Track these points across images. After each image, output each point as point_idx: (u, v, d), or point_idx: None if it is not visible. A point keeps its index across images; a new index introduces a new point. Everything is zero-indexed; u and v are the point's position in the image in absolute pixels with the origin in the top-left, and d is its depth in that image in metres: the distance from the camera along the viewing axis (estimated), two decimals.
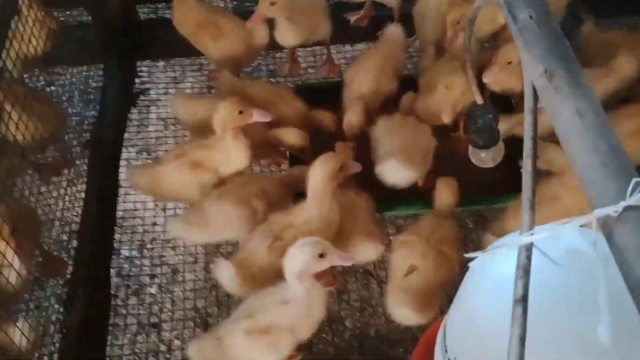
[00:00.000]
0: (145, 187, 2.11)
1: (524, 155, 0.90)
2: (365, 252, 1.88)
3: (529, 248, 0.79)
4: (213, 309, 2.17)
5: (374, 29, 2.75)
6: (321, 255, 1.51)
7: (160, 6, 3.30)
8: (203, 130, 2.12)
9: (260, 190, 1.97)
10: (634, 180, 0.76)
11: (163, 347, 2.11)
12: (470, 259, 0.96)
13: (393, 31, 2.43)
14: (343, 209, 1.85)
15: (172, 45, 2.88)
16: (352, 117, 2.21)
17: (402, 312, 1.72)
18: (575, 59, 0.94)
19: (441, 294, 1.80)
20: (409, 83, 2.40)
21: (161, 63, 3.03)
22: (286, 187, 2.09)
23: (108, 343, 2.10)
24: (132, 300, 2.24)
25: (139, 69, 2.98)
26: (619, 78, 2.14)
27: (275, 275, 1.71)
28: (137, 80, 2.94)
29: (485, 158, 1.71)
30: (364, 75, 2.30)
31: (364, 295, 2.19)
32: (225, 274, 1.77)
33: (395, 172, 1.99)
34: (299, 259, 1.52)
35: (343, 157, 1.88)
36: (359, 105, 2.22)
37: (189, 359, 1.69)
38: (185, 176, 2.03)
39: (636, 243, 0.71)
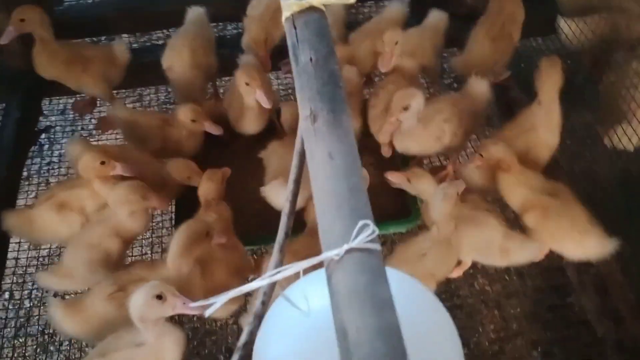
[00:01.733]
0: (18, 230, 2.09)
1: (285, 198, 0.91)
2: (229, 307, 1.89)
3: (266, 293, 0.79)
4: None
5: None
6: (159, 298, 1.49)
7: None
8: None
9: (112, 230, 1.95)
10: (361, 222, 0.77)
11: None
12: None
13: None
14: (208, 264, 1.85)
15: None
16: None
17: None
18: (343, 101, 0.96)
19: None
20: None
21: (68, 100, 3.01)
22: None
23: None
24: None
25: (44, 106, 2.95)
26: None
27: (112, 323, 1.72)
28: (41, 118, 2.91)
29: None
30: None
31: None
32: (56, 313, 1.76)
33: (277, 194, 1.98)
34: (136, 303, 1.50)
35: (209, 226, 1.84)
36: None
37: None
38: (52, 217, 2.03)
39: (348, 287, 0.72)
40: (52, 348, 2.24)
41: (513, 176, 1.96)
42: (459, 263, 2.02)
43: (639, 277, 1.98)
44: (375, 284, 0.72)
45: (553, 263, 2.18)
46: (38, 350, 2.22)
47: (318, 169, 0.86)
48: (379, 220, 2.17)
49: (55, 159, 2.81)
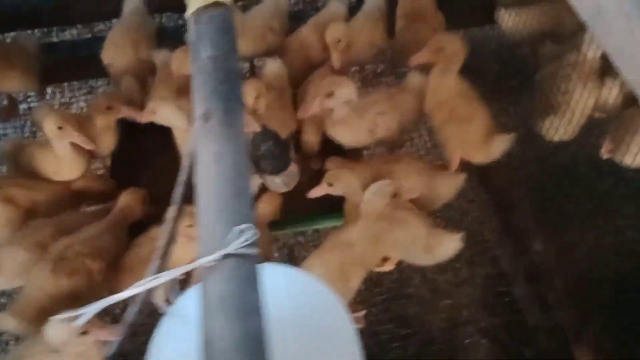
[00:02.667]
0: None
1: (172, 200, 0.89)
2: None
3: (142, 300, 0.77)
4: None
5: None
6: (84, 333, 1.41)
7: None
8: None
9: (56, 232, 1.87)
10: (238, 227, 0.75)
11: None
12: None
13: None
14: None
15: None
16: None
17: None
18: (239, 99, 0.94)
19: None
20: None
21: None
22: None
23: None
24: None
25: None
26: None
27: (67, 298, 1.68)
28: None
29: (278, 183, 1.71)
30: None
31: None
32: (9, 324, 1.67)
33: None
34: (55, 337, 1.43)
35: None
36: None
37: None
38: None
39: (218, 294, 0.71)
40: None
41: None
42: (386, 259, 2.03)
43: (570, 266, 2.02)
44: (246, 291, 0.71)
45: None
46: None
47: (204, 170, 0.84)
48: (316, 215, 2.15)
49: None
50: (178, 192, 0.88)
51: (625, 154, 1.96)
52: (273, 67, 2.20)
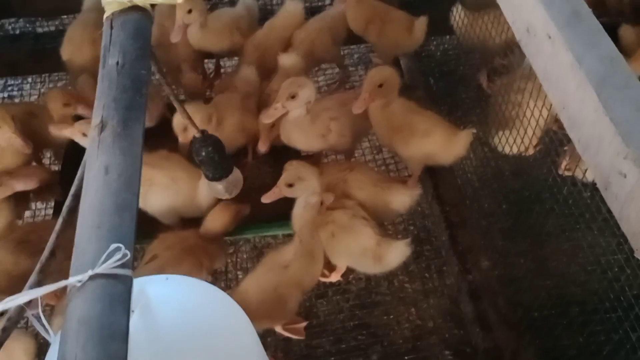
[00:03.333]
0: None
1: (61, 213, 0.86)
2: None
3: (11, 318, 0.74)
4: None
5: None
6: None
7: None
8: None
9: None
10: (113, 245, 0.72)
11: None
12: None
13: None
14: None
15: None
16: None
17: None
18: (140, 108, 0.91)
19: None
20: None
21: None
22: None
23: None
24: None
25: None
26: None
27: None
28: None
29: (220, 190, 1.68)
30: None
31: None
32: None
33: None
34: None
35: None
36: None
37: None
38: None
39: (80, 316, 0.68)
40: None
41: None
42: (331, 269, 2.00)
43: (511, 283, 2.01)
44: (111, 313, 0.68)
45: None
46: None
47: (90, 183, 0.81)
48: (269, 222, 2.11)
49: None
50: (66, 205, 0.85)
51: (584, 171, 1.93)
52: (246, 72, 2.21)
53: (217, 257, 1.95)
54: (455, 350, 2.13)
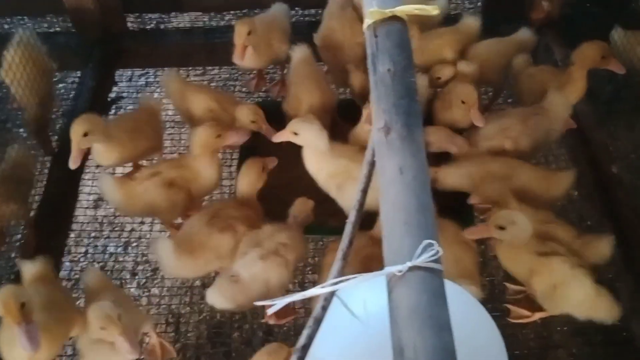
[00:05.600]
0: (116, 201, 2.09)
1: (353, 206, 0.94)
2: None
3: (327, 298, 0.82)
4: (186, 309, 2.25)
5: None
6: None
7: (148, 17, 3.42)
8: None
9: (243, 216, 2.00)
10: (425, 241, 0.79)
11: None
12: None
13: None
14: None
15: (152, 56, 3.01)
16: None
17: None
18: (418, 115, 0.97)
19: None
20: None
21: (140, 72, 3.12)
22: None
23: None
24: None
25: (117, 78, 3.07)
26: (550, 117, 2.17)
27: (213, 250, 1.89)
28: (115, 89, 3.03)
29: None
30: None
31: None
32: (164, 248, 1.83)
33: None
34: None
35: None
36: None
37: None
38: (160, 195, 2.07)
39: (409, 305, 0.74)
40: None
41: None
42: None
43: None
44: (435, 305, 0.74)
45: None
46: None
47: (388, 182, 0.88)
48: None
49: None
50: (357, 198, 0.93)
51: None
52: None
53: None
54: None
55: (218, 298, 1.77)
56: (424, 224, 0.82)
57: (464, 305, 1.06)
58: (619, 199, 2.17)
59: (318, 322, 0.79)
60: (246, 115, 2.23)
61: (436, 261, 0.78)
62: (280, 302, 0.80)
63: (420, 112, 0.98)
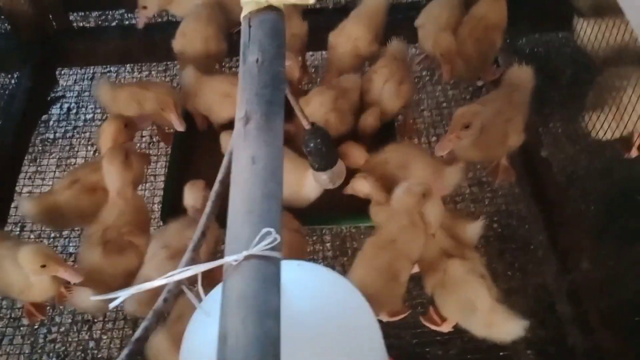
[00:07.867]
0: (41, 219, 2.01)
1: (209, 197, 0.93)
2: None
3: (170, 290, 0.82)
4: None
5: None
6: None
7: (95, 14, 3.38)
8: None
9: None
10: (264, 229, 0.79)
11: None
12: None
13: None
14: None
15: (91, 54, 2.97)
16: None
17: None
18: (280, 104, 0.97)
19: None
20: None
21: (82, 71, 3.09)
22: None
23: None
24: None
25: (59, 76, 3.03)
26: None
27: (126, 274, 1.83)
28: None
29: (324, 180, 1.74)
30: None
31: None
32: (85, 300, 1.76)
33: None
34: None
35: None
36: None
37: None
38: (85, 201, 1.98)
39: (238, 293, 0.74)
40: None
41: None
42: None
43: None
44: (265, 292, 0.74)
45: None
46: None
47: (239, 172, 0.87)
48: (350, 214, 2.14)
49: (80, 124, 2.89)
50: (214, 189, 0.92)
51: None
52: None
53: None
54: (539, 350, 2.09)
55: (134, 305, 1.74)
56: (267, 212, 0.81)
57: (342, 292, 1.05)
58: (546, 183, 2.20)
59: (157, 314, 0.78)
60: (155, 102, 2.19)
61: (273, 249, 0.77)
62: (123, 294, 0.79)
63: (283, 101, 0.97)
